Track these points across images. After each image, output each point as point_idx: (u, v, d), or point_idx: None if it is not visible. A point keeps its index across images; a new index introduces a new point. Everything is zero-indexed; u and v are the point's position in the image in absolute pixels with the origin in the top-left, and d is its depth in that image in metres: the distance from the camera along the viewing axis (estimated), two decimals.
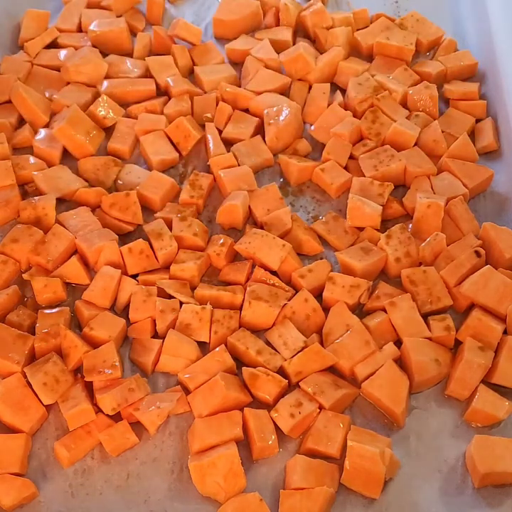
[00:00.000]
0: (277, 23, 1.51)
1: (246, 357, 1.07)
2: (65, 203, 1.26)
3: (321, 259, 1.19)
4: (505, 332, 1.06)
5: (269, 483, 0.98)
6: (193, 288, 1.14)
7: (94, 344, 1.07)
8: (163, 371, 1.08)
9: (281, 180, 1.31)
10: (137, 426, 1.01)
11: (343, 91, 1.39)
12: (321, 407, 1.01)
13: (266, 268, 1.15)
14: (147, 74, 1.43)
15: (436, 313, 1.09)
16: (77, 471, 0.99)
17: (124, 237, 1.21)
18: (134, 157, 1.34)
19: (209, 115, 1.37)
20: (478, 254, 1.11)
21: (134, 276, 1.15)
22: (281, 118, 1.31)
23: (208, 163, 1.29)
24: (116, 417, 1.02)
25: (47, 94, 1.40)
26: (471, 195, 1.24)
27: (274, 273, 1.15)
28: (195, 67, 1.44)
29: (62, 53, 1.44)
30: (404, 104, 1.36)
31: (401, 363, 1.06)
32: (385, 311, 1.08)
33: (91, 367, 1.03)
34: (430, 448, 1.00)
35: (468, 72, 1.42)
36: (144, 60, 1.44)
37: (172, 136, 1.33)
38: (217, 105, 1.36)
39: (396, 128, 1.28)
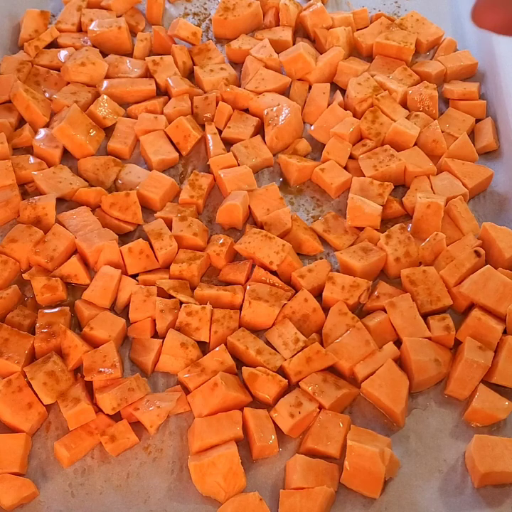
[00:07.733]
0: (277, 23, 1.51)
1: (246, 357, 1.07)
2: (65, 203, 1.26)
3: (321, 259, 1.19)
4: (505, 332, 1.06)
5: (269, 483, 0.98)
6: (193, 288, 1.15)
7: (94, 344, 1.07)
8: (163, 371, 1.08)
9: (281, 180, 1.31)
10: (137, 426, 1.01)
11: (343, 91, 1.39)
12: (320, 407, 1.01)
13: (266, 268, 1.15)
14: (147, 74, 1.43)
15: (436, 313, 1.09)
16: (77, 470, 1.00)
17: (124, 237, 1.22)
18: (134, 157, 1.34)
19: (209, 115, 1.37)
20: (478, 254, 1.11)
21: (134, 276, 1.16)
22: (281, 118, 1.31)
23: (208, 163, 1.29)
24: (116, 417, 1.02)
25: (47, 95, 1.40)
26: (470, 195, 1.24)
27: (274, 273, 1.15)
28: (195, 67, 1.44)
29: (62, 53, 1.44)
30: (404, 104, 1.36)
31: (401, 362, 1.06)
32: (385, 311, 1.09)
33: (91, 366, 1.03)
34: (430, 448, 1.00)
35: (468, 72, 1.42)
36: (144, 60, 1.44)
37: (172, 136, 1.33)
38: (217, 105, 1.36)
39: (396, 128, 1.28)
